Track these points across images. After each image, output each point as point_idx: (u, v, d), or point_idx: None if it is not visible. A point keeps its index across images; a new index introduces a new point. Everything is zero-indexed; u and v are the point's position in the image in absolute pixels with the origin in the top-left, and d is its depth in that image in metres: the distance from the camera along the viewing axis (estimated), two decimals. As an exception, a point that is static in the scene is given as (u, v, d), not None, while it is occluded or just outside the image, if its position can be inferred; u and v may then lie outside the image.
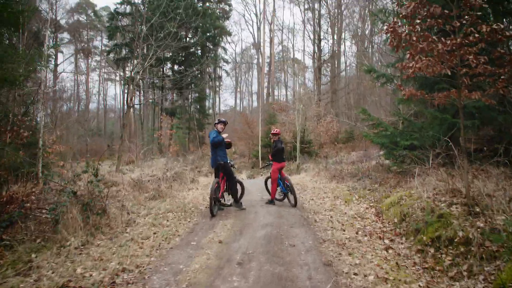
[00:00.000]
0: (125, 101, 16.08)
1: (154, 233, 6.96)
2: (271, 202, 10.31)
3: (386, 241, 6.54)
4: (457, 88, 6.14)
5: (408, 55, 6.39)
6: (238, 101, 60.96)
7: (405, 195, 8.16)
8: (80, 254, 5.77)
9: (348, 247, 6.09)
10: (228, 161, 9.36)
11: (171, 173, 15.17)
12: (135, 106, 46.53)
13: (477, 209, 5.95)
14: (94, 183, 7.59)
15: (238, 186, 9.66)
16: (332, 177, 15.14)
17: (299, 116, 23.95)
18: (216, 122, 9.41)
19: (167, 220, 8.08)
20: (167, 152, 36.95)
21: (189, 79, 39.68)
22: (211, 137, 8.95)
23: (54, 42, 41.25)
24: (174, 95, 44.07)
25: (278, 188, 10.49)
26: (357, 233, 6.99)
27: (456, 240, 5.46)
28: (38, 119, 17.13)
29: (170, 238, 6.68)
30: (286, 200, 10.51)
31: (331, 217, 8.39)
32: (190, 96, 42.85)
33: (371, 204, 9.35)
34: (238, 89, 59.17)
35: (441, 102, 6.29)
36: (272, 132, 10.49)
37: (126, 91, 42.58)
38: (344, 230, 7.17)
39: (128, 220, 7.83)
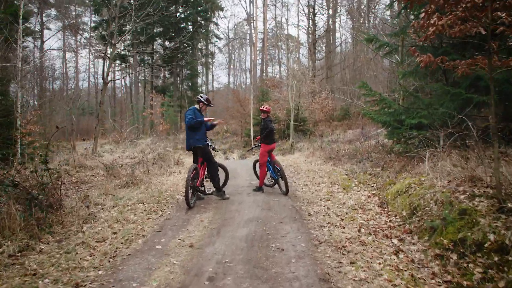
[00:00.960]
0: (102, 77, 14.61)
1: (114, 233, 5.73)
2: (259, 189, 9.12)
3: (395, 241, 5.37)
4: (487, 53, 4.87)
5: (423, 13, 5.13)
6: (231, 78, 59.27)
7: (414, 183, 6.96)
8: (13, 264, 4.55)
9: (350, 252, 4.88)
10: (209, 143, 8.13)
11: (153, 155, 13.93)
12: (115, 81, 45.12)
13: (510, 205, 4.75)
14: (40, 172, 6.31)
15: (221, 172, 8.46)
16: (328, 158, 13.96)
17: (292, 93, 22.60)
18: (197, 99, 8.17)
19: (135, 214, 6.86)
20: (157, 131, 35.84)
21: (180, 55, 38.39)
22: (186, 117, 7.72)
23: (38, 17, 39.45)
24: (166, 72, 42.71)
25: (268, 173, 9.31)
26: (359, 230, 5.80)
27: (486, 245, 4.28)
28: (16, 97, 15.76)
29: (132, 240, 5.45)
30: (276, 186, 9.34)
31: (327, 208, 7.19)
32: (181, 73, 41.46)
33: (373, 192, 8.18)
34: (232, 66, 57.37)
35: (466, 72, 5.02)
36: (261, 108, 9.22)
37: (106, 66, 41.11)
38: (343, 227, 5.97)
39: (88, 215, 6.60)
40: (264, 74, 44.66)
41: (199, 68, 45.59)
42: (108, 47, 15.25)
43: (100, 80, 59.58)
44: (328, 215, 6.72)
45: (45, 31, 42.03)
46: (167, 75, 43.65)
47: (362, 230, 5.85)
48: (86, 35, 44.14)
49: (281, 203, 7.71)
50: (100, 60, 56.01)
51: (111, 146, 19.63)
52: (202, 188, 8.19)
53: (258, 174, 9.31)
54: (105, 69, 13.83)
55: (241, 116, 31.64)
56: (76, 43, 52.23)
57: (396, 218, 6.41)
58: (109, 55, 14.29)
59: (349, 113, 28.80)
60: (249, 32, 49.28)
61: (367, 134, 20.46)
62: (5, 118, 15.96)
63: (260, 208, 7.20)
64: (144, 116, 38.60)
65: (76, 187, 9.03)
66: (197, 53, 43.28)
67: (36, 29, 39.31)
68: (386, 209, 7.02)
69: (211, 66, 52.16)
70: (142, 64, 41.13)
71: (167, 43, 40.99)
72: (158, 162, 13.00)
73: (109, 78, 14.81)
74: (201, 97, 8.18)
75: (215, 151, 8.37)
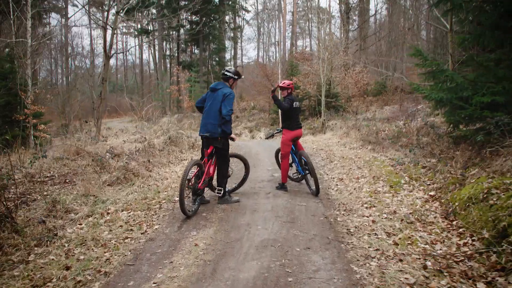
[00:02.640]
0: (104, 50, 12.90)
1: (67, 268, 3.97)
2: (282, 187, 7.23)
3: (481, 286, 3.46)
4: None
5: None
6: (261, 53, 56.80)
7: (494, 187, 4.95)
8: None
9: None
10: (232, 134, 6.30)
11: (164, 138, 12.20)
12: (120, 55, 43.53)
13: None
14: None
15: (240, 165, 6.67)
16: (365, 141, 11.90)
17: (324, 66, 20.34)
18: (223, 76, 6.43)
19: (111, 230, 5.09)
20: (182, 108, 34.40)
21: (206, 29, 36.64)
22: (227, 106, 6.08)
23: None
24: (193, 47, 41.04)
25: (293, 165, 7.42)
26: (425, 268, 3.87)
27: None
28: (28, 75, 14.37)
29: (85, 285, 3.68)
30: (304, 181, 7.46)
31: (373, 221, 5.22)
32: (208, 47, 39.64)
33: (432, 194, 6.17)
34: (261, 40, 54.96)
35: None
36: (280, 84, 7.26)
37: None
38: (400, 260, 4.04)
39: (46, 233, 4.88)
40: (294, 47, 42.19)
41: (227, 42, 43.52)
42: (111, 15, 13.49)
43: (130, 58, 58.88)
44: (375, 233, 4.78)
45: (70, 8, 40.49)
46: (194, 51, 41.99)
47: (429, 264, 3.92)
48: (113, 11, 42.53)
49: (309, 211, 5.82)
50: (128, 37, 55.01)
51: (123, 127, 18.00)
52: (204, 195, 6.42)
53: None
54: (108, 41, 12.03)
55: (269, 91, 29.53)
56: (105, 20, 50.89)
57: (473, 240, 4.46)
58: (111, 25, 12.50)
59: (385, 87, 26.34)
60: (277, 4, 46.68)
61: (405, 110, 18.26)
62: (13, 98, 14.63)
63: (280, 221, 5.32)
64: (169, 93, 37.25)
65: (54, 184, 7.35)
66: (224, 26, 41.15)
67: (60, 5, 37.88)
68: (454, 222, 5.06)
69: (239, 40, 49.95)
70: (166, 38, 39.67)
71: (193, 17, 39.18)
72: (168, 147, 11.26)
73: (113, 51, 12.99)
74: (229, 71, 6.40)
75: (232, 140, 6.49)
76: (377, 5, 41.56)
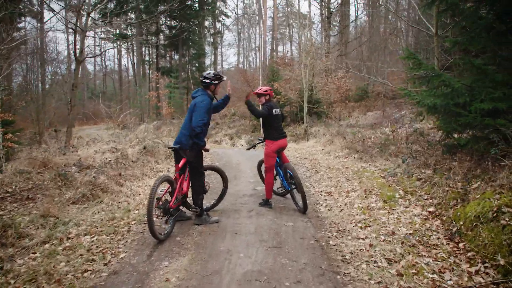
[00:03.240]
0: (73, 54, 12.13)
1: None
2: (266, 203, 6.55)
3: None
4: None
5: None
6: (241, 58, 56.13)
7: (505, 204, 4.41)
8: None
9: None
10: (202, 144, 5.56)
11: (139, 147, 11.44)
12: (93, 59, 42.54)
13: None
14: None
15: (219, 180, 6.03)
16: (351, 149, 11.36)
17: (306, 71, 19.81)
18: (204, 82, 5.72)
19: (68, 261, 4.32)
20: (161, 114, 33.62)
21: (185, 34, 35.92)
22: (198, 115, 5.37)
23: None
24: (173, 52, 40.23)
25: (277, 178, 6.77)
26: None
27: None
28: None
29: None
30: (289, 195, 6.83)
31: (370, 245, 4.60)
32: (188, 53, 38.88)
33: (430, 210, 5.61)
34: (241, 46, 54.32)
35: None
36: (256, 91, 6.65)
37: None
38: (408, 297, 3.44)
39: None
40: (274, 53, 41.71)
41: (206, 48, 42.72)
42: (83, 16, 12.72)
43: (109, 63, 57.67)
44: (374, 261, 4.17)
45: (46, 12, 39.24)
46: (173, 56, 41.16)
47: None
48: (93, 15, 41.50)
49: (297, 232, 5.17)
50: (107, 42, 53.78)
51: (97, 135, 17.12)
52: (184, 210, 5.76)
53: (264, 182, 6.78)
54: (78, 44, 11.23)
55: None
56: (79, 24, 49.77)
57: (486, 268, 3.89)
58: (81, 27, 11.73)
59: (367, 93, 26.01)
60: (258, 9, 46.18)
61: (388, 116, 17.88)
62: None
63: (265, 247, 4.65)
64: (147, 99, 36.45)
65: (14, 201, 6.54)
66: (204, 31, 40.43)
67: (36, 9, 36.62)
68: (460, 244, 4.49)
69: (219, 46, 49.23)
70: (145, 43, 38.76)
71: (172, 22, 38.41)
72: (143, 157, 10.51)
73: (84, 55, 12.19)
74: (207, 77, 5.70)
75: (206, 151, 5.82)
76: (357, 10, 41.27)
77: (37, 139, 18.34)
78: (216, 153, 14.48)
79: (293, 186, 6.35)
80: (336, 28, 38.36)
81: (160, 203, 4.96)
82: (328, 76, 24.75)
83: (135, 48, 40.91)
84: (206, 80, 5.64)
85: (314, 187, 8.01)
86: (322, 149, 13.67)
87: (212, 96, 5.71)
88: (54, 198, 6.37)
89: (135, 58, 42.11)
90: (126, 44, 41.10)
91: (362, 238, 4.83)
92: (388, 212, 5.75)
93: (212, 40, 44.15)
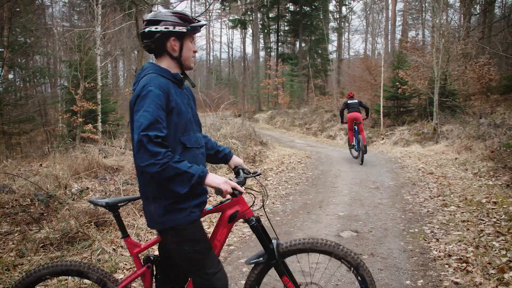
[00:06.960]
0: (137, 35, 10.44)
1: None
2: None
3: None
4: None
5: None
6: (369, 45, 51.97)
7: None
8: None
9: None
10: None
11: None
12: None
13: None
14: None
15: None
16: (499, 163, 8.05)
17: (439, 57, 16.08)
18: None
19: None
20: (277, 103, 32.26)
21: (306, 19, 33.82)
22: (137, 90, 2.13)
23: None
24: (294, 39, 38.39)
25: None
26: None
27: None
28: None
29: None
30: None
31: None
32: (309, 39, 36.57)
33: None
34: (369, 32, 50.22)
35: None
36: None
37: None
38: None
39: None
40: (404, 38, 37.55)
41: (330, 33, 39.78)
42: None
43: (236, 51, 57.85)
44: None
45: None
46: (294, 43, 39.27)
47: None
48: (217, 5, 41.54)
49: None
50: (234, 31, 53.74)
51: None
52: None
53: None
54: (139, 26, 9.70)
55: (371, 87, 25.60)
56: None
57: None
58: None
59: (517, 84, 20.95)
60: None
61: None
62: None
63: None
64: (264, 87, 35.26)
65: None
66: (328, 16, 37.59)
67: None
68: None
69: (344, 31, 45.83)
70: (264, 29, 37.42)
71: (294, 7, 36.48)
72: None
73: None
74: (153, 19, 2.20)
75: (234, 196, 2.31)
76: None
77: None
78: (316, 155, 11.96)
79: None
80: (478, 6, 32.70)
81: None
82: (467, 62, 20.37)
83: (252, 35, 39.59)
84: (149, 29, 2.21)
85: (438, 240, 4.91)
86: (456, 159, 10.40)
87: (175, 73, 2.28)
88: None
89: (258, 44, 40.69)
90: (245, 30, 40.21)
91: None
92: None
93: (337, 25, 41.09)
